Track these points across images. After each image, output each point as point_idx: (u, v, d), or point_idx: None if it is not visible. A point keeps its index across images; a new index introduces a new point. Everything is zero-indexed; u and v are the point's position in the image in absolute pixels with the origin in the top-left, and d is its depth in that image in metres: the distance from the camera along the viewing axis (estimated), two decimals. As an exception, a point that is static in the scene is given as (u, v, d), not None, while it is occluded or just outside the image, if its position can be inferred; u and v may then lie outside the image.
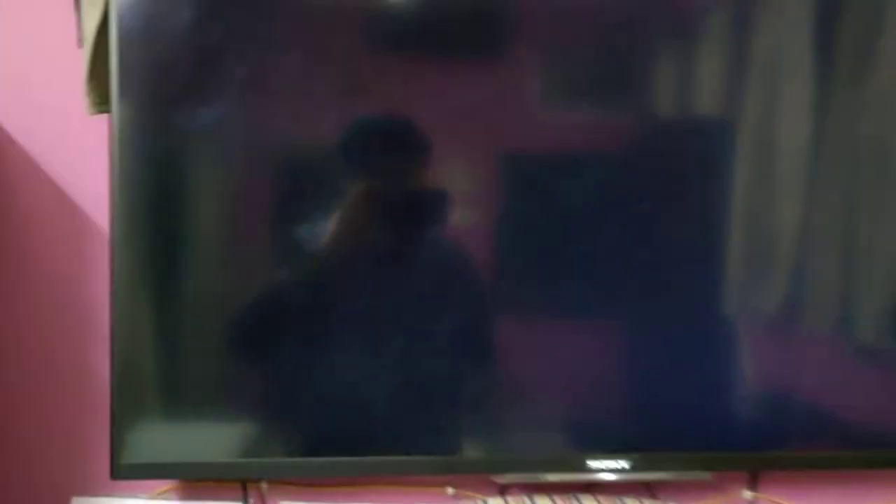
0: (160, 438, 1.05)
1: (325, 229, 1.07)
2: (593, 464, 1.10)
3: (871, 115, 1.16)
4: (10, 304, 1.14)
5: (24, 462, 1.16)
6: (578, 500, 1.16)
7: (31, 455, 1.16)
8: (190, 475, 1.10)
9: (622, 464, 1.10)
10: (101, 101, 1.04)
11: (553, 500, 1.15)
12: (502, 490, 1.19)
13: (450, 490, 1.21)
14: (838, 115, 1.16)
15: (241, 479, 1.14)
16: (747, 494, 1.24)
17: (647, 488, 1.21)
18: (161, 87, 1.03)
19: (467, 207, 1.12)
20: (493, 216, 1.14)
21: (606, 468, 1.11)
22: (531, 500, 1.15)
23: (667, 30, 1.14)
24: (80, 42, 1.05)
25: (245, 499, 1.15)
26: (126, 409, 1.03)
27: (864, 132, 1.16)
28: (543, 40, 1.13)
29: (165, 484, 1.15)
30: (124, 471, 1.03)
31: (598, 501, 1.15)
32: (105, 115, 1.04)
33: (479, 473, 1.17)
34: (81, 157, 1.13)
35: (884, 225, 1.18)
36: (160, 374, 1.05)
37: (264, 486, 1.17)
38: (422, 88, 1.11)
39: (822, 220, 1.17)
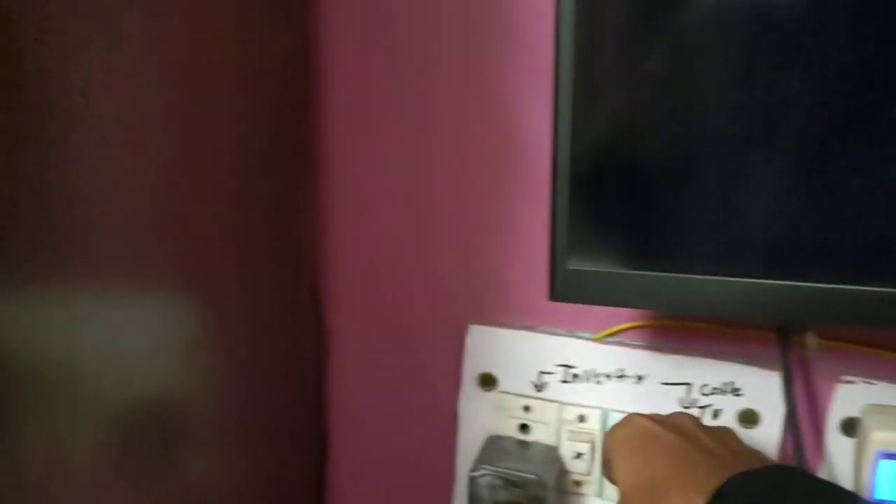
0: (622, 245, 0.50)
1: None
2: None
3: None
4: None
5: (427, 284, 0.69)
6: None
7: (435, 277, 0.69)
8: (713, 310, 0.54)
9: None
10: None
11: None
12: None
13: None
14: None
15: (779, 327, 0.57)
16: None
17: None
18: None
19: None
20: None
21: None
22: None
23: None
24: None
25: (784, 356, 0.58)
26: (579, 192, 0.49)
27: None
28: None
29: (621, 320, 0.62)
30: (566, 285, 0.50)
31: None
32: None
33: None
34: None
35: None
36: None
37: (812, 340, 0.59)
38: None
39: None
